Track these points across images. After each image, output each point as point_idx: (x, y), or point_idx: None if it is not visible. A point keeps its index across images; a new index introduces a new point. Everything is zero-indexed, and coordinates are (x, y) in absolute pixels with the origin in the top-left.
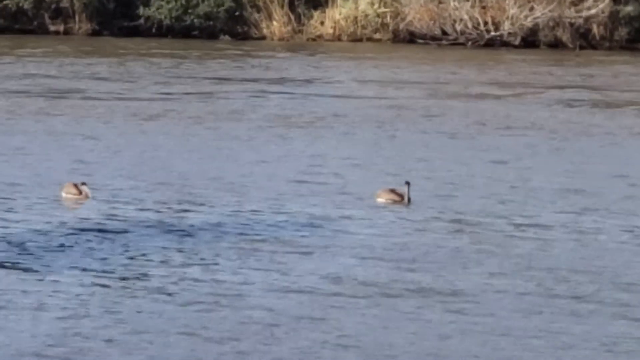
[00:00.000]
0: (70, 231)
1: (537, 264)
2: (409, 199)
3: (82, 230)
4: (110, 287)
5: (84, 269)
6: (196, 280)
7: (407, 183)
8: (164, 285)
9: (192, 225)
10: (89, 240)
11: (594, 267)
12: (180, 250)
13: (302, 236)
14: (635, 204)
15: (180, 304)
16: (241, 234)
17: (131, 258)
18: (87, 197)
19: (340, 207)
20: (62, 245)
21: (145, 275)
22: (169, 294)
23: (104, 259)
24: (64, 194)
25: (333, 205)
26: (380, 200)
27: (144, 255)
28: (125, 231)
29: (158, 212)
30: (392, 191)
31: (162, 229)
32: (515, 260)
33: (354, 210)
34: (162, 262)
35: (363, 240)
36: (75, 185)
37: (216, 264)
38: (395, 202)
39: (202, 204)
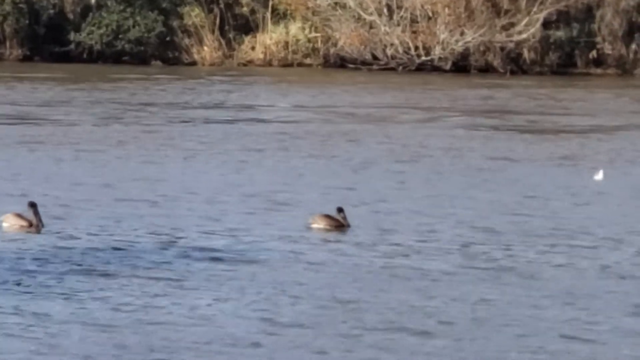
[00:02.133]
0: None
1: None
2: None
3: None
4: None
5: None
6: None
7: (340, 209)
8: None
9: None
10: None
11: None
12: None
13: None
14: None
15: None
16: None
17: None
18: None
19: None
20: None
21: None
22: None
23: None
24: (5, 225)
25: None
26: (316, 226)
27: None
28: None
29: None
30: (328, 217)
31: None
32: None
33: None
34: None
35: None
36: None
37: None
38: (333, 227)
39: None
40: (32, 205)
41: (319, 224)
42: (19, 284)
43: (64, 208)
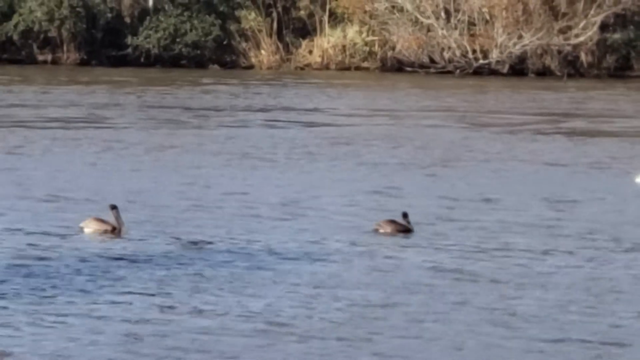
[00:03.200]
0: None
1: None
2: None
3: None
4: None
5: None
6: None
7: (405, 214)
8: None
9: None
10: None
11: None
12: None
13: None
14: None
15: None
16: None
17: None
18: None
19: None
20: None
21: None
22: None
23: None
24: (87, 230)
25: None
26: (382, 231)
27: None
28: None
29: (167, 243)
30: (394, 222)
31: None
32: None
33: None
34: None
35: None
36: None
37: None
38: (400, 232)
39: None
40: (114, 207)
41: (385, 229)
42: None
43: (138, 212)
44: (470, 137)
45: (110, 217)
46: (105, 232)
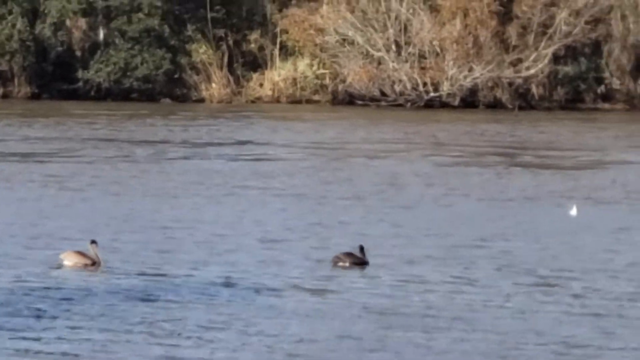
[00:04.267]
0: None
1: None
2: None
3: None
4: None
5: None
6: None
7: (361, 247)
8: None
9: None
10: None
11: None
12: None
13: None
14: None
15: None
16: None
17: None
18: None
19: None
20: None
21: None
22: None
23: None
24: (67, 263)
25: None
26: (341, 264)
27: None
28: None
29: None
30: (351, 254)
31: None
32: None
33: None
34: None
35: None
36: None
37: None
38: (355, 264)
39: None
40: (93, 242)
41: (344, 262)
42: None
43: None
44: (412, 170)
45: (89, 251)
46: (85, 265)
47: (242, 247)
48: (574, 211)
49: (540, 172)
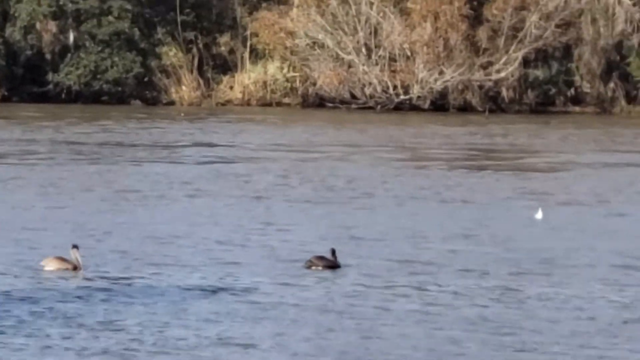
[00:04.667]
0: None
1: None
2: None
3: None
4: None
5: None
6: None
7: (333, 251)
8: None
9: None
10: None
11: None
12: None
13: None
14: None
15: None
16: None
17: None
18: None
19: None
20: None
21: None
22: None
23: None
24: (48, 269)
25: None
26: (314, 268)
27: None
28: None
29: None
30: (323, 258)
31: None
32: None
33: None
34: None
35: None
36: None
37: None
38: (326, 267)
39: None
40: (75, 247)
41: (317, 265)
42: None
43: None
44: (376, 172)
45: (70, 256)
46: (67, 270)
47: (202, 249)
48: (539, 215)
49: (506, 174)
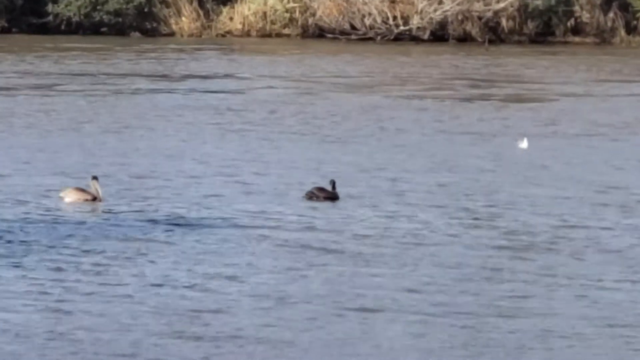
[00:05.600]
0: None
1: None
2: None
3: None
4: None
5: None
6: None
7: (332, 182)
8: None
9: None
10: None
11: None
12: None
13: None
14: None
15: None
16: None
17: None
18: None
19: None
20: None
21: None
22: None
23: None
24: (68, 200)
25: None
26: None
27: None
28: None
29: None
30: (322, 189)
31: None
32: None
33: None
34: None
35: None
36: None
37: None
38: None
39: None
40: (94, 178)
41: (317, 197)
42: None
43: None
44: (372, 103)
45: (90, 187)
46: (86, 201)
47: (213, 183)
48: (524, 144)
49: (501, 105)
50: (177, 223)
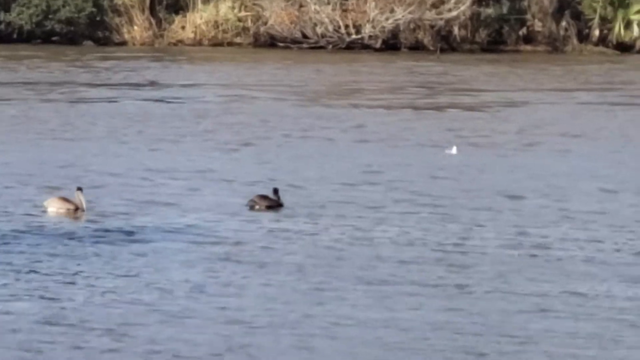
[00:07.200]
0: None
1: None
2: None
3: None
4: None
5: None
6: None
7: (276, 190)
8: None
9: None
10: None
11: None
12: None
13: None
14: None
15: None
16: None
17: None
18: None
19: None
20: None
21: None
22: None
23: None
24: (51, 210)
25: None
26: (257, 207)
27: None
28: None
29: None
30: (265, 197)
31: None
32: None
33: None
34: None
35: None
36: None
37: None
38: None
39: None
40: (79, 189)
41: (260, 205)
42: None
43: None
44: (315, 113)
45: (74, 197)
46: (68, 211)
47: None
48: (453, 150)
49: (442, 113)
50: (110, 235)
